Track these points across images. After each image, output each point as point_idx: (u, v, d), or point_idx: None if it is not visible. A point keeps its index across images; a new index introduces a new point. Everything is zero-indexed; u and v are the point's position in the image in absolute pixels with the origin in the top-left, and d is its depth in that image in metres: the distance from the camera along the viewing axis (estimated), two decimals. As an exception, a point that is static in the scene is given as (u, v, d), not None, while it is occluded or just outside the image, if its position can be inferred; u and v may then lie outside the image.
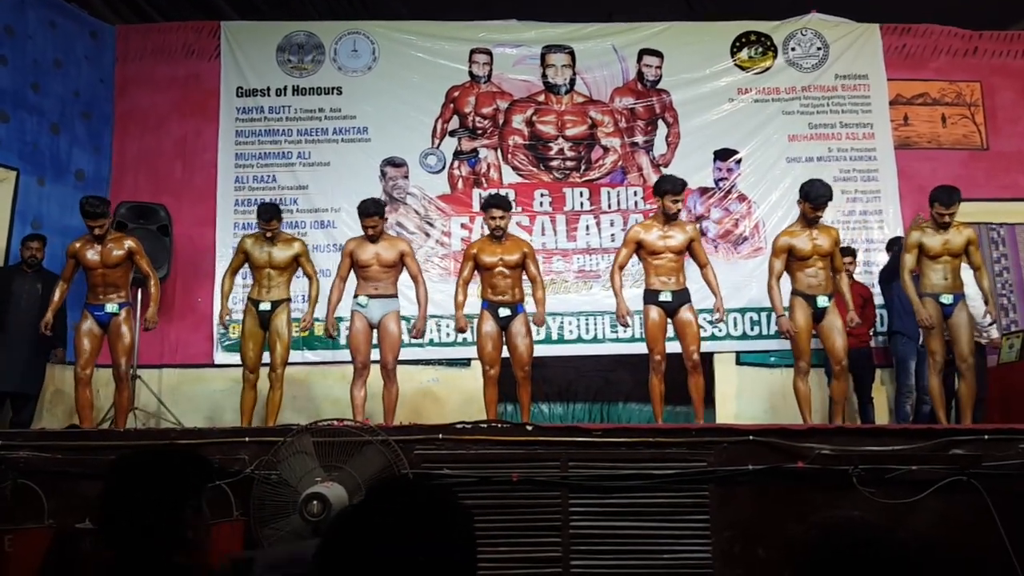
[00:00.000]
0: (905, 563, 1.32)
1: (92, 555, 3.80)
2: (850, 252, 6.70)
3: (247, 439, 4.42)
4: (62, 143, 7.28)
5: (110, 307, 5.50)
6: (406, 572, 1.14)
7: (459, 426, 4.59)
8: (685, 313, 5.52)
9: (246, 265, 5.92)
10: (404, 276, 5.87)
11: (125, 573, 1.69)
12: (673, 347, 5.64)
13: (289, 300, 5.83)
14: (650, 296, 5.58)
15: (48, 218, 7.04)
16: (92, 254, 5.49)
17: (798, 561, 1.37)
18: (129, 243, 5.58)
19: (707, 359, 7.26)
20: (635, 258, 5.75)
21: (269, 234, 5.77)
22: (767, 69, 7.95)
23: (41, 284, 6.14)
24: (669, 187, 5.54)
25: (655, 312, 5.53)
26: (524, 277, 5.79)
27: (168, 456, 1.90)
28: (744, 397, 7.30)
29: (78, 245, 5.55)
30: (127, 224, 6.76)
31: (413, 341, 6.16)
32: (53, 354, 6.13)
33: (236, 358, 6.19)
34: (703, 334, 6.88)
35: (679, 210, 5.60)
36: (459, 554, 1.20)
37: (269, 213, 5.80)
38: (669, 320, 5.56)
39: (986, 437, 4.42)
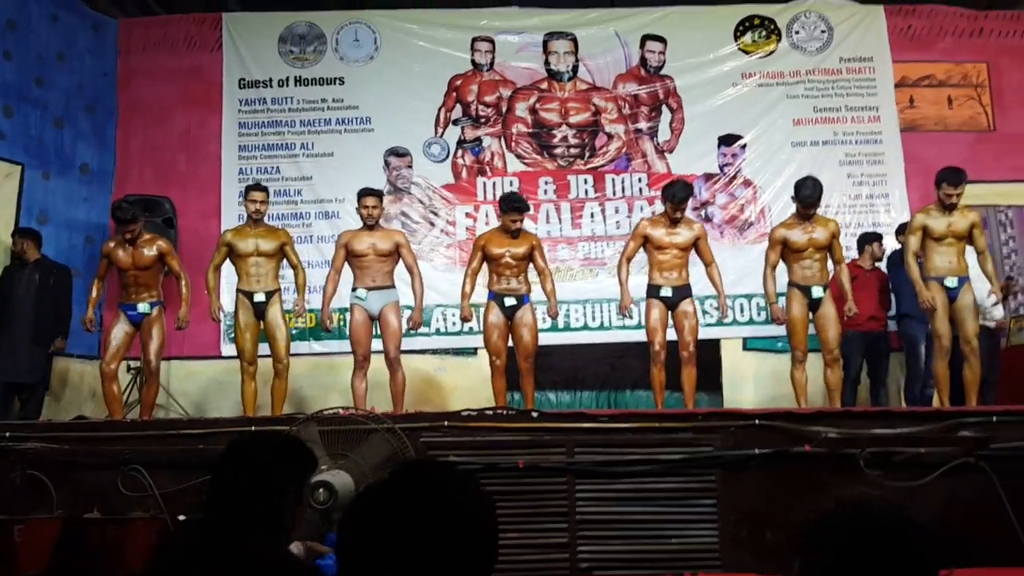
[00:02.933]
0: (919, 542, 1.31)
1: (101, 545, 3.83)
2: (877, 237, 6.71)
3: (253, 428, 4.44)
4: (66, 137, 7.29)
5: (142, 307, 5.62)
6: (430, 553, 1.13)
7: (465, 413, 4.60)
8: (685, 307, 5.67)
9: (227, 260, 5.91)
10: (401, 268, 5.90)
11: (228, 560, 1.69)
12: (674, 335, 5.72)
13: (280, 290, 5.84)
14: (652, 290, 5.73)
15: (54, 212, 7.05)
16: (124, 255, 5.61)
17: (810, 538, 1.36)
18: (160, 244, 5.69)
19: (714, 345, 7.28)
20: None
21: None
22: (771, 53, 7.89)
23: (39, 275, 6.15)
24: (669, 196, 5.68)
25: (656, 306, 5.68)
26: (531, 269, 5.83)
27: (276, 444, 1.91)
28: (750, 382, 7.29)
29: (112, 245, 5.69)
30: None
31: (420, 330, 6.17)
32: (53, 345, 6.11)
33: (237, 349, 6.20)
34: (710, 320, 6.92)
35: (679, 218, 5.68)
36: (482, 538, 1.19)
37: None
38: (670, 312, 5.69)
39: (994, 419, 4.41)
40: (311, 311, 6.87)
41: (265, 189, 5.95)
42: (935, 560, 1.31)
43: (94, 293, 5.72)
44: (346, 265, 5.83)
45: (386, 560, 1.12)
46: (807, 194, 5.57)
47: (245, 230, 5.86)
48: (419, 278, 5.82)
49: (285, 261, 5.90)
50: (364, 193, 5.82)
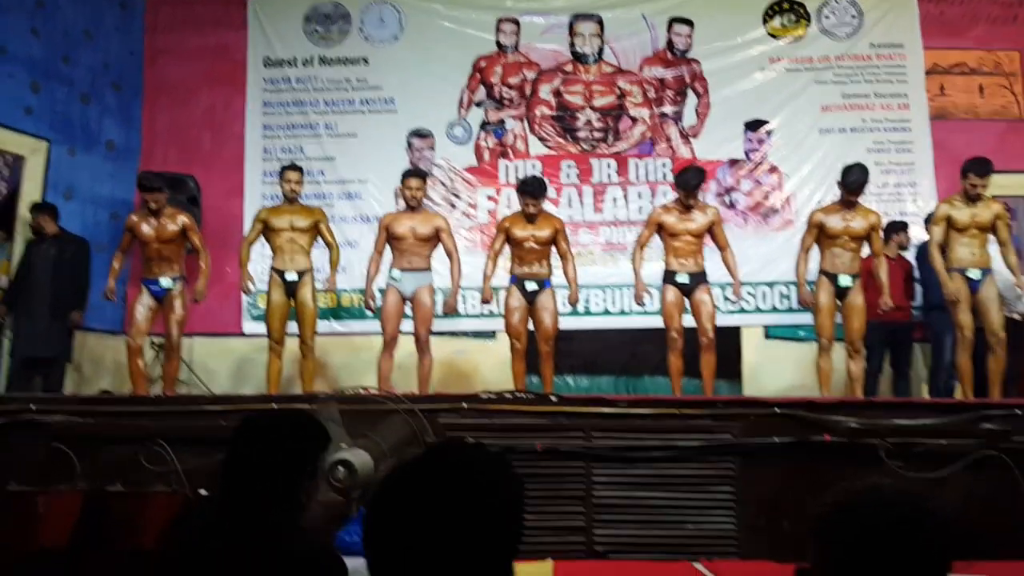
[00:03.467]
0: (932, 531, 1.30)
1: (123, 518, 3.88)
2: (903, 226, 6.64)
3: (274, 406, 4.47)
4: (92, 114, 7.34)
5: (164, 281, 5.69)
6: (456, 532, 1.13)
7: (484, 396, 4.61)
8: (701, 294, 5.66)
9: (262, 237, 5.96)
10: (439, 251, 5.91)
11: (243, 536, 1.71)
12: (691, 322, 5.72)
13: (312, 270, 5.87)
14: (668, 276, 5.73)
15: (79, 188, 7.12)
16: (147, 228, 5.69)
17: (823, 527, 1.36)
18: (183, 219, 5.77)
19: (735, 333, 7.24)
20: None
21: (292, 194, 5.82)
22: (800, 38, 7.78)
23: (57, 249, 6.19)
24: (681, 183, 5.71)
25: (672, 292, 5.69)
26: (554, 253, 5.83)
27: (290, 421, 1.91)
28: (771, 371, 7.24)
29: (135, 219, 5.78)
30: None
31: (439, 312, 6.20)
32: (70, 318, 6.15)
33: (262, 327, 6.25)
34: (731, 307, 6.87)
35: (692, 204, 5.67)
36: (509, 519, 1.20)
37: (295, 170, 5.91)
38: (687, 299, 5.68)
39: (1017, 412, 4.36)
40: (344, 292, 6.92)
41: (300, 169, 5.99)
42: (948, 549, 1.30)
43: (116, 264, 5.79)
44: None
45: (413, 539, 1.13)
46: (853, 179, 5.53)
47: (281, 208, 5.92)
48: (458, 263, 5.85)
49: (320, 240, 5.94)
50: (408, 175, 5.86)
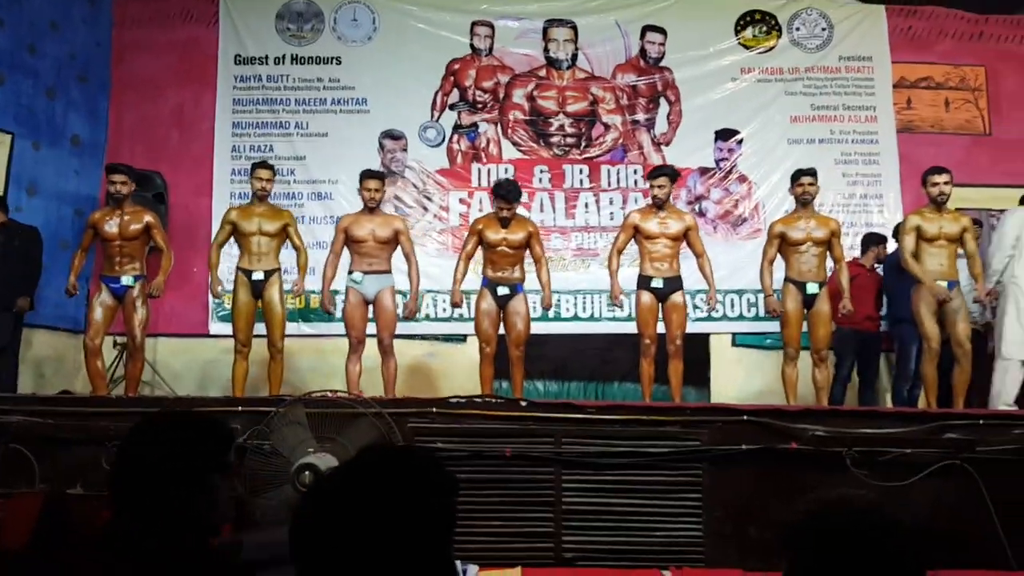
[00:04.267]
0: (904, 543, 1.30)
1: (84, 520, 3.80)
2: (882, 239, 6.78)
3: (240, 408, 4.41)
4: (58, 107, 7.19)
5: (125, 279, 5.56)
6: (376, 533, 1.15)
7: (453, 400, 4.58)
8: (675, 299, 5.66)
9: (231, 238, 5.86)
10: (398, 252, 5.86)
11: (128, 545, 1.57)
12: (662, 327, 5.73)
13: (280, 270, 5.79)
14: (642, 281, 5.72)
15: (43, 182, 6.97)
16: (110, 226, 5.56)
17: (794, 538, 1.36)
18: (148, 217, 5.65)
19: (703, 340, 7.28)
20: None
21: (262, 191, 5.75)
22: (771, 48, 7.87)
23: (4, 238, 5.98)
24: (654, 171, 5.80)
25: (646, 297, 5.67)
26: (527, 257, 5.81)
27: (184, 423, 1.72)
28: (739, 378, 7.30)
29: (98, 216, 5.65)
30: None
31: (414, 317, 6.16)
32: (17, 305, 5.94)
33: (229, 328, 6.15)
34: (699, 314, 6.91)
35: (659, 196, 5.68)
36: (435, 519, 1.21)
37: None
38: (661, 304, 5.68)
39: (981, 422, 4.43)
40: (312, 294, 6.85)
41: (271, 167, 5.90)
42: (921, 561, 1.31)
43: (77, 262, 5.65)
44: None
45: (339, 542, 1.15)
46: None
47: (250, 208, 5.82)
48: (416, 266, 5.79)
49: (288, 242, 5.86)
50: (366, 175, 5.77)
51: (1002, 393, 5.65)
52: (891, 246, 6.80)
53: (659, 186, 5.68)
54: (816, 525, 1.35)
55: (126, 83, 7.75)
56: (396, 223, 5.85)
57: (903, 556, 1.30)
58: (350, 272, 5.73)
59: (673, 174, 5.88)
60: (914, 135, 7.74)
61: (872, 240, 6.76)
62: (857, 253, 6.84)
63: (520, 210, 6.46)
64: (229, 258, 6.14)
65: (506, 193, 5.68)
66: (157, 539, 1.57)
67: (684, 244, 5.79)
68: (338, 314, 5.91)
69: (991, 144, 7.76)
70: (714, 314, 7.09)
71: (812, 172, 5.73)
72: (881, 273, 6.76)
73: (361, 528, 1.16)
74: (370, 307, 5.72)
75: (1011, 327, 5.68)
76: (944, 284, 5.45)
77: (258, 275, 5.68)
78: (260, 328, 5.77)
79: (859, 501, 1.39)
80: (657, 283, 5.65)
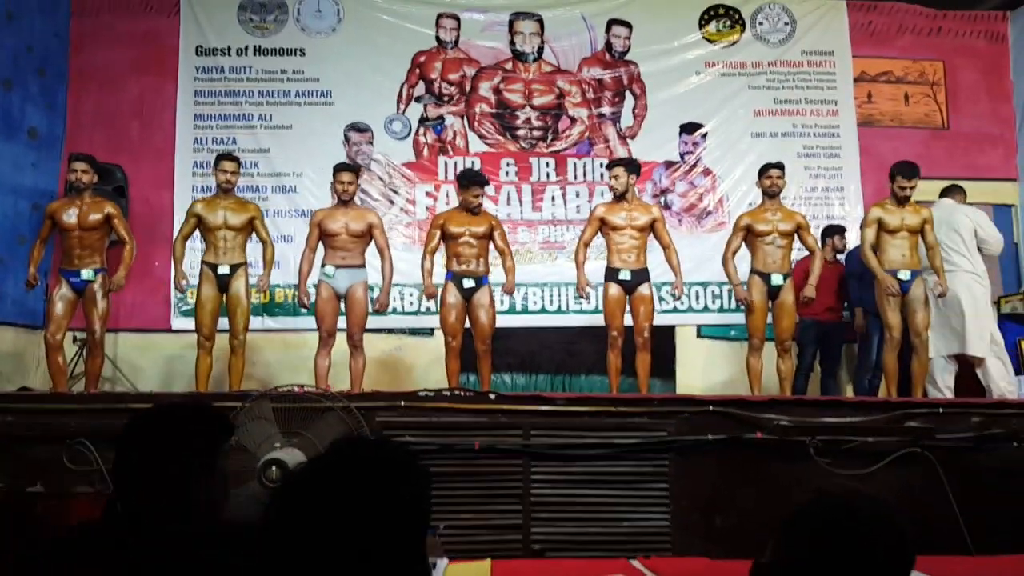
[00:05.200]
0: (899, 532, 1.33)
1: (44, 518, 3.74)
2: (839, 230, 6.85)
3: (185, 401, 4.35)
4: (15, 99, 7.02)
5: (86, 273, 5.45)
6: (350, 526, 1.15)
7: (422, 394, 4.58)
8: (643, 291, 5.70)
9: (196, 231, 5.79)
10: (371, 247, 5.83)
11: (127, 533, 1.59)
12: (630, 320, 5.76)
13: (246, 264, 5.73)
14: (610, 274, 5.75)
15: (0, 176, 6.82)
16: (69, 216, 5.43)
17: (788, 529, 1.37)
18: (108, 208, 5.53)
19: (668, 332, 7.34)
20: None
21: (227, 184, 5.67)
22: (734, 43, 7.94)
23: None
24: (611, 163, 5.88)
25: (614, 289, 5.70)
26: (491, 250, 5.80)
27: (176, 412, 1.77)
28: (704, 369, 7.37)
29: (56, 205, 5.53)
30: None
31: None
32: None
33: (192, 323, 6.07)
34: (665, 307, 6.97)
35: (621, 188, 5.72)
36: (408, 511, 1.21)
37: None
38: (628, 297, 5.71)
39: (940, 411, 4.53)
40: (277, 287, 6.80)
41: (237, 159, 5.82)
42: (910, 551, 1.33)
43: (36, 254, 5.52)
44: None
45: (314, 532, 1.15)
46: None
47: (215, 201, 5.72)
48: (389, 261, 5.76)
49: (254, 235, 5.80)
50: (340, 168, 5.73)
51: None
52: (850, 236, 6.91)
53: (614, 176, 5.73)
54: (809, 516, 1.36)
55: (85, 74, 7.59)
56: (370, 217, 5.81)
57: (898, 545, 1.32)
58: (323, 265, 5.69)
59: (630, 164, 5.90)
60: (874, 129, 7.86)
61: (831, 231, 6.87)
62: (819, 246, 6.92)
63: (488, 204, 6.47)
64: (191, 252, 6.06)
65: (480, 178, 5.71)
66: (164, 524, 1.60)
67: (651, 236, 5.82)
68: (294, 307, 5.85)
69: (949, 138, 7.90)
70: (679, 306, 7.18)
71: (780, 165, 5.80)
72: (843, 263, 6.86)
73: (336, 520, 1.15)
74: (341, 301, 5.68)
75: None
76: (907, 274, 5.55)
77: (224, 269, 5.61)
78: (222, 323, 5.71)
79: (854, 495, 1.41)
80: (624, 275, 5.68)
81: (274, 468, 3.77)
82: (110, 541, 1.59)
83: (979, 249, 5.97)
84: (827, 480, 4.17)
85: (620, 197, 5.74)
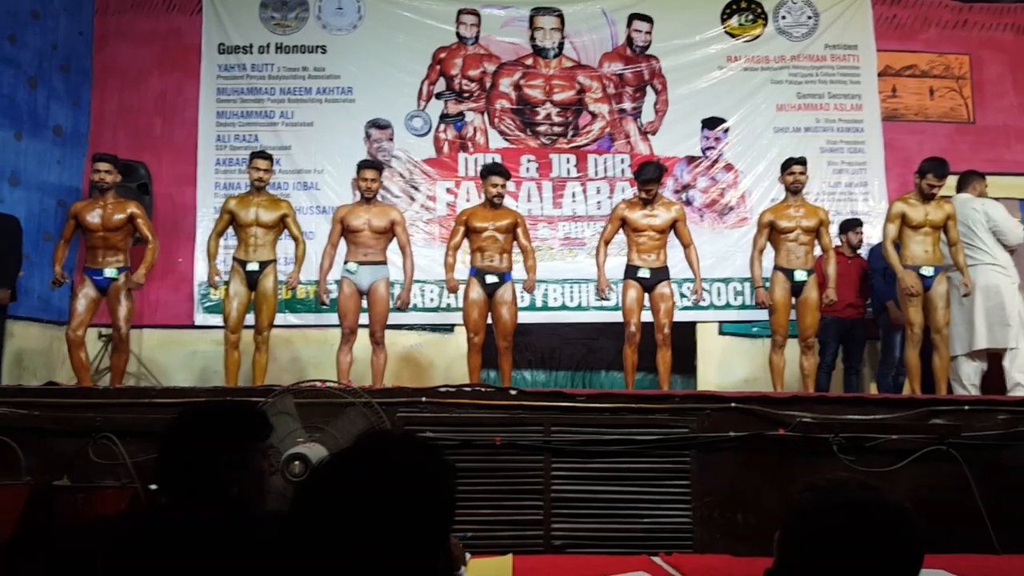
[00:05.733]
0: (897, 524, 1.31)
1: (70, 512, 3.78)
2: (855, 224, 6.77)
3: (228, 399, 4.39)
4: (40, 97, 7.11)
5: (109, 272, 5.51)
6: (380, 516, 1.17)
7: (442, 389, 4.58)
8: (662, 289, 5.70)
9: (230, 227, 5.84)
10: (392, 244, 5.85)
11: (171, 526, 1.66)
12: (649, 317, 5.76)
13: (275, 261, 5.76)
14: (629, 271, 5.75)
15: (26, 173, 6.90)
16: (93, 216, 5.50)
17: (790, 520, 1.36)
18: (132, 208, 5.59)
19: (690, 328, 7.31)
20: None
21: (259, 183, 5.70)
22: (757, 37, 7.88)
23: None
24: (638, 175, 5.81)
25: (633, 286, 5.71)
26: (514, 247, 5.82)
27: (216, 412, 1.87)
28: (725, 366, 7.34)
29: (80, 206, 5.59)
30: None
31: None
32: None
33: (217, 319, 6.14)
34: (686, 303, 6.94)
35: (650, 198, 5.71)
36: (435, 503, 1.23)
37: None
38: (647, 294, 5.72)
39: (966, 408, 4.47)
40: (303, 284, 6.84)
41: (270, 157, 5.87)
42: (919, 543, 1.30)
43: (60, 253, 5.59)
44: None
45: (340, 523, 1.17)
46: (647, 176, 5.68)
47: (248, 198, 5.77)
48: (411, 258, 5.78)
49: (285, 233, 5.84)
50: (363, 166, 5.77)
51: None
52: (873, 232, 6.84)
53: (648, 191, 5.69)
54: (812, 510, 1.34)
55: (109, 72, 7.68)
56: (393, 214, 5.83)
57: (903, 539, 1.29)
58: (345, 262, 5.72)
59: (660, 175, 5.88)
60: (899, 123, 7.78)
61: (847, 226, 6.78)
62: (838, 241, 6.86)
63: (508, 200, 6.46)
64: (221, 249, 6.11)
65: (500, 168, 5.72)
66: (206, 515, 1.69)
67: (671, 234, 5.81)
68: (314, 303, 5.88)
69: (974, 132, 7.80)
70: (701, 303, 7.13)
71: (802, 161, 5.75)
72: (863, 258, 6.79)
73: (360, 512, 1.17)
74: (364, 298, 5.71)
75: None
76: (930, 270, 5.49)
77: (253, 266, 5.66)
78: (247, 319, 5.75)
79: (852, 483, 1.38)
80: (644, 273, 5.68)
81: (297, 463, 3.80)
82: (150, 531, 1.65)
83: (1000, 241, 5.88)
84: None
85: (647, 200, 5.73)
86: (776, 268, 5.73)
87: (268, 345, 5.71)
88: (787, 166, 5.75)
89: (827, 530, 1.30)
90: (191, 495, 1.73)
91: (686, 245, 5.80)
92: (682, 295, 6.75)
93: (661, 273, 5.71)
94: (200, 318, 7.27)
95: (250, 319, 5.73)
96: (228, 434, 1.81)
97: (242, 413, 1.89)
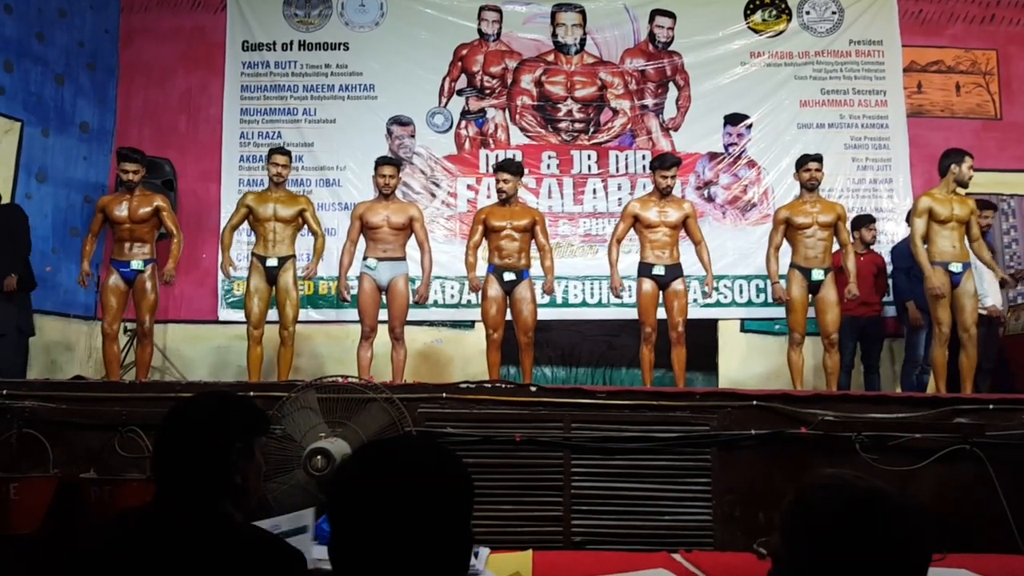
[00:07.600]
0: (897, 520, 1.28)
1: (97, 504, 3.83)
2: (869, 220, 6.70)
3: (252, 394, 4.42)
4: (66, 94, 7.21)
5: (135, 263, 5.57)
6: (403, 513, 1.19)
7: (463, 385, 4.60)
8: (676, 286, 5.69)
9: (245, 222, 5.88)
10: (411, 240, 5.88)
11: (168, 518, 1.68)
12: (664, 315, 5.75)
13: (295, 257, 5.80)
14: (643, 269, 5.74)
15: (53, 169, 7.00)
16: (120, 209, 5.56)
17: (788, 518, 1.34)
18: (157, 201, 5.65)
19: (711, 325, 7.29)
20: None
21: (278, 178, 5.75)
22: (780, 33, 7.83)
23: None
24: (658, 163, 5.76)
25: (648, 284, 5.70)
26: (532, 244, 5.82)
27: (215, 401, 1.88)
28: (746, 363, 7.30)
29: (107, 199, 5.66)
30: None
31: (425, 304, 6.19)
32: (4, 284, 5.86)
33: (240, 315, 6.18)
34: (708, 300, 6.92)
35: (669, 186, 5.71)
36: (455, 503, 1.25)
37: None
38: (661, 292, 5.71)
39: (991, 407, 4.42)
40: (321, 280, 6.88)
41: (288, 153, 5.91)
42: (927, 541, 1.28)
43: (88, 248, 5.66)
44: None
45: (371, 517, 1.20)
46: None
47: (266, 194, 5.82)
48: (429, 254, 5.81)
49: (304, 228, 5.88)
50: (381, 162, 5.79)
51: None
52: (883, 227, 6.76)
53: (671, 176, 5.69)
54: (808, 507, 1.32)
55: (134, 69, 7.77)
56: (411, 210, 5.86)
57: (908, 539, 1.27)
58: (364, 258, 5.75)
59: (679, 163, 5.90)
60: (924, 119, 7.70)
61: (860, 222, 6.68)
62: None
63: (528, 196, 6.47)
64: (238, 244, 6.16)
65: (503, 162, 5.75)
66: (202, 509, 1.70)
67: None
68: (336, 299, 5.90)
69: (1001, 128, 7.71)
70: (722, 300, 7.12)
71: (818, 158, 5.72)
72: (882, 255, 6.73)
73: (380, 511, 1.20)
74: (383, 294, 5.74)
75: None
76: (958, 266, 5.43)
77: (272, 262, 5.70)
78: (270, 314, 5.79)
79: (851, 479, 1.36)
80: (658, 270, 5.68)
81: (319, 457, 3.83)
82: (152, 523, 1.67)
83: None
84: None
85: (664, 194, 5.73)
86: (792, 266, 5.70)
87: (294, 340, 5.75)
88: (803, 163, 5.72)
89: (822, 528, 1.28)
90: (197, 484, 1.72)
91: (697, 242, 5.80)
92: (702, 292, 6.72)
93: (675, 270, 5.70)
94: (224, 313, 7.34)
95: (272, 315, 5.76)
96: (239, 424, 1.83)
97: (249, 406, 1.90)
